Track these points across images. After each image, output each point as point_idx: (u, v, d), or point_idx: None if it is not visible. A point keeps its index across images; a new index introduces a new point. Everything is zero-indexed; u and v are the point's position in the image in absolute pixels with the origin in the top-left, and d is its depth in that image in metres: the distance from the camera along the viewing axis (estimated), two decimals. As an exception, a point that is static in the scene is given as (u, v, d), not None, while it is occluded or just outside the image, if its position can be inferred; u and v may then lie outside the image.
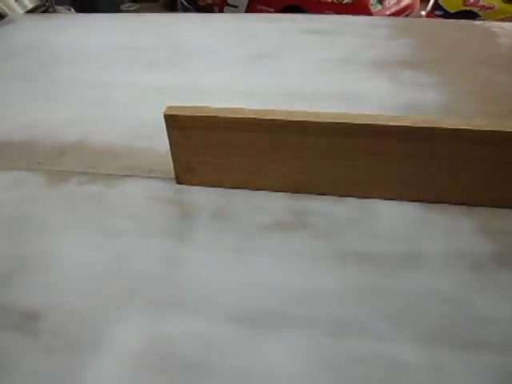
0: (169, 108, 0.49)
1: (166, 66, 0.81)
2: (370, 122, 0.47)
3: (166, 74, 0.78)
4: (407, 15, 2.91)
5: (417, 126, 0.46)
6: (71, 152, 0.61)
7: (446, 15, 2.90)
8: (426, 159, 0.47)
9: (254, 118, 0.49)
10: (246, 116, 0.48)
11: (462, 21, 1.09)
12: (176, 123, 0.49)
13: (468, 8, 2.88)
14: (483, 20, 2.65)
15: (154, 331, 0.40)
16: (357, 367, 0.37)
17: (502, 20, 2.66)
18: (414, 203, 0.50)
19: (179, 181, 0.54)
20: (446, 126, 0.45)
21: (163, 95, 0.71)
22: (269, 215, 0.50)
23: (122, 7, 3.68)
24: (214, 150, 0.51)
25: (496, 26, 1.00)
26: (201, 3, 3.40)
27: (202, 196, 0.53)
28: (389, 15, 2.63)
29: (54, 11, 2.87)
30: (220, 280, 0.44)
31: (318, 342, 0.39)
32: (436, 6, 2.96)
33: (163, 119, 0.50)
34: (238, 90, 0.72)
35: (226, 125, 0.49)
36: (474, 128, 0.45)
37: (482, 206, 0.50)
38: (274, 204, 0.52)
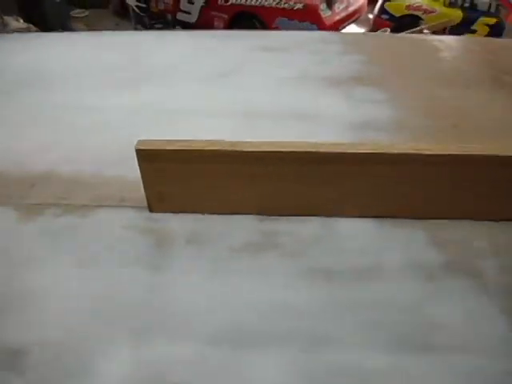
0: (140, 142, 0.51)
1: (131, 87, 0.82)
2: (331, 151, 0.51)
3: (131, 95, 0.80)
4: (356, 19, 3.03)
5: (370, 151, 0.50)
6: (41, 183, 0.61)
7: (392, 19, 3.04)
8: (380, 180, 0.52)
9: (226, 150, 0.52)
10: (219, 148, 0.51)
11: (408, 35, 1.16)
12: (147, 157, 0.51)
13: (411, 12, 3.03)
14: (425, 23, 2.81)
15: (139, 358, 0.43)
16: (333, 378, 0.42)
17: (444, 24, 2.83)
18: (373, 219, 0.55)
19: (151, 209, 0.56)
20: (395, 151, 0.50)
21: (129, 118, 0.73)
22: (239, 238, 0.54)
23: (72, 13, 3.60)
24: (185, 179, 0.54)
25: (436, 39, 1.08)
26: (153, 10, 3.38)
27: (175, 223, 0.55)
28: (338, 20, 2.74)
29: (3, 22, 2.77)
30: (198, 304, 0.47)
31: (295, 356, 0.43)
32: (382, 10, 3.10)
33: (131, 145, 0.52)
34: (201, 109, 0.75)
35: (198, 157, 0.51)
36: (419, 152, 0.50)
37: (434, 218, 0.55)
38: (244, 227, 0.55)
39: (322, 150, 0.51)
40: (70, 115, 0.74)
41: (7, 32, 2.34)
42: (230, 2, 3.00)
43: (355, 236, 0.54)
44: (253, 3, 2.89)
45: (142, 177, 0.53)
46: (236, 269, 0.51)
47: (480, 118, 0.75)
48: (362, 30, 2.66)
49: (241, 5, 2.95)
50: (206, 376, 0.42)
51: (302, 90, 0.82)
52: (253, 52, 0.96)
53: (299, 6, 2.68)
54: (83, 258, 0.51)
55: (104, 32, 1.13)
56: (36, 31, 2.40)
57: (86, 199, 0.59)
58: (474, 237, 0.53)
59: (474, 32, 2.76)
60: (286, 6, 2.74)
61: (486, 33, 2.77)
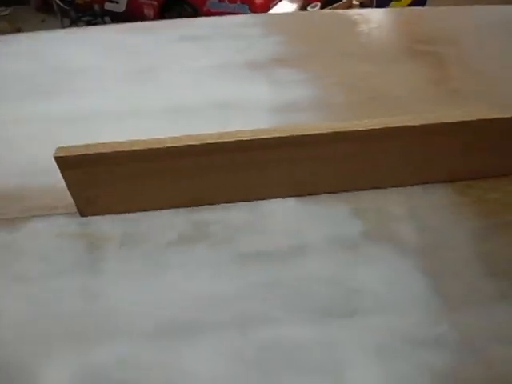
0: (59, 150, 0.51)
1: (51, 92, 0.80)
2: (249, 138, 0.53)
3: (51, 101, 0.78)
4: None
5: (278, 136, 0.53)
6: (-35, 201, 0.60)
7: None
8: (295, 162, 0.55)
9: (143, 149, 0.52)
10: (136, 148, 0.52)
11: (327, 11, 1.18)
12: (68, 164, 0.51)
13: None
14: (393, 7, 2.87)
15: (80, 363, 0.44)
16: (264, 354, 0.44)
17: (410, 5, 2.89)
18: (297, 198, 0.58)
19: (82, 214, 0.56)
20: (299, 133, 0.52)
21: (51, 127, 0.72)
22: (172, 232, 0.55)
23: (-8, 12, 3.42)
24: (110, 182, 0.54)
25: (356, 13, 1.11)
26: (79, 1, 3.25)
27: (107, 225, 0.56)
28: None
29: None
30: (135, 302, 0.49)
31: (229, 339, 0.45)
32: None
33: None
34: (123, 110, 0.75)
35: (118, 158, 0.52)
36: (319, 131, 0.53)
37: (349, 191, 0.59)
38: (175, 221, 0.56)
39: (229, 139, 0.52)
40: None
41: None
42: (157, -12, 2.93)
43: (280, 217, 0.56)
44: (181, -13, 2.85)
45: (67, 184, 0.53)
46: (170, 264, 0.52)
47: (396, 89, 0.79)
48: (294, 6, 2.69)
49: (169, -10, 2.89)
50: (143, 370, 0.43)
51: (223, 79, 0.83)
52: (174, 43, 0.96)
53: (228, -14, 2.67)
54: (16, 273, 0.51)
55: (21, 35, 1.09)
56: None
57: (17, 212, 0.58)
58: (392, 203, 0.57)
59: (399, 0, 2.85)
60: (215, -13, 2.72)
61: (409, 1, 2.86)
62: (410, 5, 2.77)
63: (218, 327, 0.46)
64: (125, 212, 0.57)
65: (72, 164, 0.51)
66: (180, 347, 0.45)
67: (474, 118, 0.55)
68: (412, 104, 0.75)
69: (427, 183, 0.59)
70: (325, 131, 0.53)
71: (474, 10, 1.13)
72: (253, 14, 1.09)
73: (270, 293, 0.49)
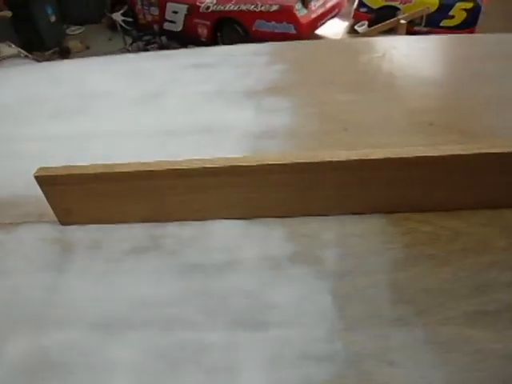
0: (39, 170, 0.62)
1: (69, 115, 0.94)
2: (192, 167, 0.61)
3: (67, 123, 0.91)
4: (335, 15, 3.09)
5: (222, 166, 0.60)
6: (-22, 206, 0.73)
7: (370, 11, 3.10)
8: (240, 188, 0.62)
9: (115, 172, 0.62)
10: (102, 171, 0.62)
11: (335, 40, 1.23)
12: (46, 181, 0.62)
13: (388, 3, 3.08)
14: (403, 13, 2.85)
15: (33, 345, 0.54)
16: (179, 351, 0.52)
17: (420, 12, 2.86)
18: (240, 220, 0.65)
19: (62, 223, 0.67)
20: (244, 164, 0.59)
21: (62, 144, 0.85)
22: (131, 242, 0.65)
23: (68, 31, 3.78)
24: (84, 198, 0.65)
25: (362, 41, 1.16)
26: (142, 22, 3.52)
27: (80, 233, 0.66)
28: (315, 18, 2.82)
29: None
30: (88, 298, 0.58)
31: (153, 337, 0.54)
32: (360, 3, 3.15)
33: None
34: (120, 132, 0.86)
35: (89, 179, 0.62)
36: (262, 163, 0.59)
37: (294, 216, 0.65)
38: (137, 233, 0.66)
39: (184, 167, 0.61)
40: (8, 145, 0.86)
41: (-1, 59, 2.53)
42: (211, 9, 3.11)
43: (223, 235, 0.64)
44: (232, 9, 2.99)
45: (46, 198, 0.65)
46: (123, 268, 0.62)
47: (369, 119, 0.83)
48: (344, 24, 2.72)
49: (221, 11, 3.05)
50: (79, 354, 0.53)
51: (216, 105, 0.92)
52: (184, 70, 1.06)
53: (275, 7, 2.76)
54: (1, 269, 0.63)
55: (51, 63, 1.25)
56: (25, 56, 2.57)
57: (12, 217, 0.71)
58: (324, 230, 0.63)
59: (452, 18, 2.79)
60: (263, 8, 2.83)
61: (463, 18, 2.79)
62: (461, 23, 2.71)
63: (146, 326, 0.55)
64: (98, 223, 0.67)
65: (49, 182, 0.63)
66: (111, 339, 0.54)
67: (412, 155, 0.60)
68: (380, 135, 0.79)
69: (364, 213, 0.64)
70: (262, 163, 0.60)
71: (486, 39, 1.14)
72: (266, 44, 1.17)
73: (196, 300, 0.56)
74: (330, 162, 0.59)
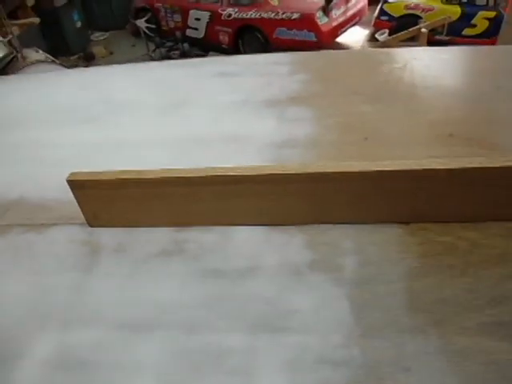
0: (71, 174, 0.66)
1: (95, 122, 0.97)
2: (221, 174, 0.63)
3: (94, 130, 0.95)
4: (356, 23, 3.11)
5: (246, 174, 0.62)
6: (13, 208, 0.77)
7: (392, 19, 3.10)
8: (263, 196, 0.64)
9: (142, 179, 0.65)
10: (128, 177, 0.65)
11: (354, 50, 1.25)
12: (78, 186, 0.66)
13: (410, 11, 3.07)
14: (425, 22, 2.84)
15: (62, 343, 0.57)
16: (200, 354, 0.54)
17: (442, 21, 2.85)
18: (262, 227, 0.67)
19: (90, 225, 0.70)
20: (266, 172, 0.62)
21: (85, 152, 0.88)
22: (156, 246, 0.67)
23: (93, 37, 3.88)
24: (112, 202, 0.68)
25: (383, 52, 1.17)
26: (164, 28, 3.60)
27: (107, 236, 0.69)
28: (336, 26, 2.84)
29: (22, 56, 3.05)
30: (114, 299, 0.61)
31: (176, 339, 0.56)
32: (382, 11, 3.15)
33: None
34: (145, 140, 0.89)
35: (119, 184, 0.65)
36: (290, 172, 0.62)
37: (313, 223, 0.66)
38: (161, 237, 0.68)
39: (210, 174, 0.63)
40: (39, 150, 0.90)
41: (26, 65, 2.60)
42: (232, 17, 3.16)
43: (245, 242, 0.66)
44: (253, 16, 3.03)
45: (77, 201, 0.68)
46: (148, 271, 0.64)
47: (389, 130, 0.85)
48: (365, 32, 2.73)
49: (243, 19, 3.10)
50: (107, 353, 0.55)
51: (240, 114, 0.95)
52: (209, 79, 1.09)
53: (296, 15, 2.79)
54: (34, 267, 0.66)
55: (78, 69, 1.29)
56: (52, 61, 2.65)
57: (44, 219, 0.74)
58: (344, 238, 0.64)
59: (474, 26, 2.77)
60: (284, 16, 2.86)
61: (485, 27, 2.77)
62: (483, 32, 2.69)
63: (169, 328, 0.57)
64: (123, 226, 0.70)
65: (80, 186, 0.66)
66: (137, 339, 0.56)
67: (429, 168, 0.61)
68: (401, 145, 0.81)
69: (383, 223, 0.65)
70: (283, 172, 0.62)
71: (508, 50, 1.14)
72: (287, 53, 1.19)
73: (218, 305, 0.59)
74: (350, 172, 0.61)
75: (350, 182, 0.62)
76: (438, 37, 2.88)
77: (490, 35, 2.55)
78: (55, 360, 0.55)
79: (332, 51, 1.24)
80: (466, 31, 2.69)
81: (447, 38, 2.88)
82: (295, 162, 0.76)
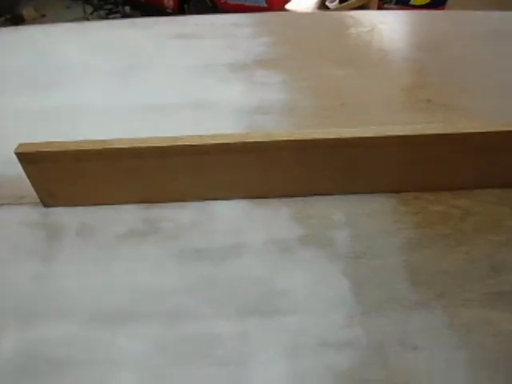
0: (20, 146, 0.56)
1: (42, 88, 0.86)
2: (199, 143, 0.56)
3: (42, 97, 0.83)
4: None
5: (227, 142, 0.56)
6: None
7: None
8: (245, 166, 0.58)
9: (106, 149, 0.56)
10: (91, 148, 0.56)
11: (318, 12, 1.19)
12: (28, 159, 0.56)
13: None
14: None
15: (26, 340, 0.49)
16: (185, 344, 0.48)
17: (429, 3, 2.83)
18: (245, 200, 0.61)
19: (45, 205, 0.61)
20: (252, 140, 0.55)
21: (38, 120, 0.77)
22: (125, 226, 0.59)
23: None
24: (70, 177, 0.59)
25: (348, 15, 1.12)
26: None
27: (66, 216, 0.60)
28: None
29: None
30: (81, 288, 0.53)
31: (156, 329, 0.49)
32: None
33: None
34: (103, 106, 0.79)
35: (75, 156, 0.56)
36: (271, 139, 0.56)
37: (298, 196, 0.61)
38: (131, 216, 0.61)
39: (185, 143, 0.56)
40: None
41: None
42: (177, -22, 2.97)
43: (226, 218, 0.60)
44: (200, -22, 2.87)
45: (28, 177, 0.58)
46: (118, 255, 0.57)
47: (366, 95, 0.80)
48: (312, 1, 2.68)
49: (189, -19, 2.92)
50: (79, 348, 0.48)
51: (205, 79, 0.87)
52: (163, 41, 0.99)
53: (246, -21, 2.67)
54: (-21, 256, 0.57)
55: (22, 27, 1.14)
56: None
57: (-13, 200, 0.64)
58: (333, 211, 0.60)
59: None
60: (233, -21, 2.73)
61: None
62: (431, 1, 2.72)
63: (148, 317, 0.50)
64: (83, 205, 0.61)
65: (31, 159, 0.56)
66: (113, 331, 0.49)
67: (422, 133, 0.57)
68: (380, 112, 0.77)
69: (373, 193, 0.61)
70: (270, 139, 0.56)
71: (474, 15, 1.12)
72: (247, 14, 1.11)
73: (202, 289, 0.53)
74: (343, 139, 0.56)
75: (340, 150, 0.57)
76: (386, 5, 2.88)
77: (437, 5, 2.58)
78: (18, 359, 0.47)
79: (294, 12, 1.17)
80: (414, 0, 2.70)
81: (396, 6, 2.89)
82: (272, 129, 0.70)
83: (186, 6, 3.09)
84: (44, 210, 0.62)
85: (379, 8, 2.67)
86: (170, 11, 3.54)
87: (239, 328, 0.49)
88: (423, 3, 2.67)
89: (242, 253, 0.56)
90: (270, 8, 2.88)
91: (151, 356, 0.48)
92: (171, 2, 3.09)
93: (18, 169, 0.65)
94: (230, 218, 0.60)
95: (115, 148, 0.56)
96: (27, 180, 0.62)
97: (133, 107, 0.80)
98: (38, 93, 0.84)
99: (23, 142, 0.57)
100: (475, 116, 0.74)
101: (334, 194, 0.62)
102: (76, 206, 0.61)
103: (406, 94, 0.81)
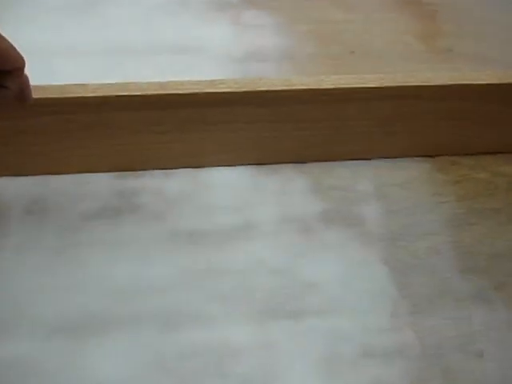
0: None
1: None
2: (195, 91, 0.43)
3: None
4: None
5: (236, 90, 0.43)
6: None
7: None
8: (250, 122, 0.45)
9: (63, 98, 0.42)
10: (44, 96, 0.41)
11: None
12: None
13: None
14: None
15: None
16: (188, 360, 0.36)
17: None
18: (246, 167, 0.49)
19: (-18, 175, 0.46)
20: (264, 89, 0.42)
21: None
22: (93, 201, 0.45)
23: None
24: (17, 137, 0.44)
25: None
26: None
27: (12, 189, 0.45)
28: None
29: None
30: (37, 288, 0.39)
31: (148, 340, 0.37)
32: None
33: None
34: (59, 47, 0.63)
35: (29, 109, 0.41)
36: (293, 88, 0.43)
37: (314, 161, 0.49)
38: (99, 188, 0.46)
39: (175, 91, 0.42)
40: None
41: None
42: None
43: (226, 190, 0.47)
44: None
45: (-44, 137, 0.43)
46: (86, 241, 0.43)
47: (378, 43, 0.68)
48: None
49: None
50: (38, 376, 0.35)
51: (182, 19, 0.71)
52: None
53: None
54: None
55: None
56: None
57: None
58: (359, 180, 0.48)
59: None
60: None
61: None
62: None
63: (135, 323, 0.38)
64: (34, 174, 0.46)
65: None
66: (86, 347, 0.36)
67: (465, 82, 0.46)
68: (396, 61, 0.65)
69: (403, 157, 0.50)
70: (289, 88, 0.43)
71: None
72: None
73: (204, 283, 0.40)
74: (373, 88, 0.44)
75: (377, 102, 0.45)
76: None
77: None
78: None
79: None
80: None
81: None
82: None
83: None
84: (-19, 181, 0.46)
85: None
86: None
87: (259, 335, 0.37)
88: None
89: (251, 235, 0.43)
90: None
91: (142, 378, 0.35)
92: None
93: None
94: (230, 190, 0.47)
95: (79, 97, 0.42)
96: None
97: (93, 49, 0.64)
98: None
99: None
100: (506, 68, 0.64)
101: (356, 159, 0.50)
102: (24, 176, 0.46)
103: (423, 43, 0.69)
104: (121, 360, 0.36)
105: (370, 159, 0.50)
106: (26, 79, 0.37)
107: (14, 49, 0.33)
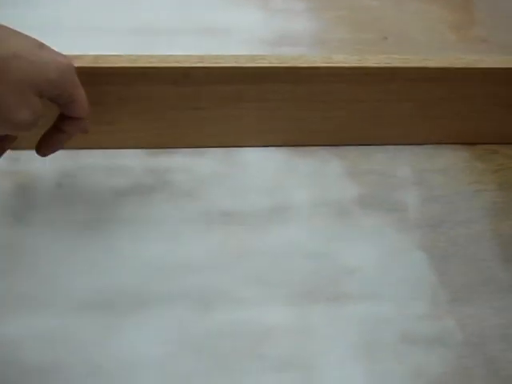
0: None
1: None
2: (232, 65, 0.42)
3: (7, 11, 0.64)
4: None
5: (278, 65, 0.41)
6: None
7: None
8: (285, 102, 0.44)
9: (96, 68, 0.41)
10: (85, 65, 0.40)
11: None
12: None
13: None
14: None
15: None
16: (225, 340, 0.35)
17: None
18: (280, 148, 0.47)
19: (15, 146, 0.45)
20: (305, 65, 0.41)
21: None
22: (125, 178, 0.44)
23: None
24: (48, 107, 0.43)
25: None
26: None
27: (42, 164, 0.44)
28: None
29: None
30: (70, 264, 0.39)
31: (181, 319, 0.36)
32: None
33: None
34: (94, 27, 0.61)
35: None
36: (336, 65, 0.42)
37: (351, 144, 0.48)
38: (131, 164, 0.45)
39: (215, 64, 0.41)
40: None
41: None
42: None
43: (260, 170, 0.46)
44: None
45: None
46: (119, 217, 0.42)
47: (411, 30, 0.67)
48: None
49: None
50: (70, 351, 0.34)
51: (210, 1, 0.70)
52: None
53: None
54: None
55: None
56: None
57: None
58: (397, 165, 0.47)
59: None
60: None
61: None
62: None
63: (168, 302, 0.37)
64: (65, 149, 0.45)
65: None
66: (121, 322, 0.36)
67: (508, 66, 0.45)
68: (429, 49, 0.64)
69: (442, 143, 0.49)
70: (330, 65, 0.42)
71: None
72: None
73: (239, 264, 0.39)
74: (415, 68, 0.43)
75: (421, 84, 0.43)
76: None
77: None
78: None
79: None
80: None
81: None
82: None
83: None
84: (12, 154, 0.45)
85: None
86: None
87: (297, 318, 0.36)
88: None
89: (287, 217, 0.42)
90: None
91: (174, 356, 0.34)
92: None
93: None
94: (264, 171, 0.46)
95: (113, 67, 0.41)
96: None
97: (120, 29, 0.63)
98: (5, 8, 0.65)
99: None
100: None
101: (393, 144, 0.49)
102: (54, 150, 0.45)
103: (457, 32, 0.67)
104: (156, 337, 0.35)
105: (407, 144, 0.49)
106: (86, 125, 0.36)
107: (86, 98, 0.34)
